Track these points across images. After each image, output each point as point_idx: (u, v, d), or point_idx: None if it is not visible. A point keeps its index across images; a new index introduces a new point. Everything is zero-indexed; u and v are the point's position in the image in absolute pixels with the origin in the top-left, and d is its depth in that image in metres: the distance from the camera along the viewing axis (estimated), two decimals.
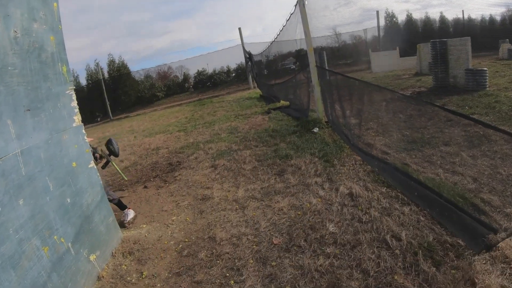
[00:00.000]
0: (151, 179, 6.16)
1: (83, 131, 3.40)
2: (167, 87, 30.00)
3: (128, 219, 4.33)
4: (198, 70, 30.34)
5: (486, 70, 8.80)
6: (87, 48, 77.70)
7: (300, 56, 16.45)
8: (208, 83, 29.84)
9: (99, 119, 29.28)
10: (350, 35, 27.01)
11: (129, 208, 4.52)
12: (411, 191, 3.45)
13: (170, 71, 33.54)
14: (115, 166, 4.52)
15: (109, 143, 4.39)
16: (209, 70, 30.41)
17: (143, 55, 74.92)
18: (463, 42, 10.29)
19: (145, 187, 5.79)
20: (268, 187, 4.44)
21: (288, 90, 11.37)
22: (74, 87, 3.32)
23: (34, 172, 2.52)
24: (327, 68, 8.00)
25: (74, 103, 3.28)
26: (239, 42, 24.84)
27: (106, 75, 29.80)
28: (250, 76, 23.98)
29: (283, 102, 12.08)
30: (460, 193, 3.29)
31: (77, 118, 3.31)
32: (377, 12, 24.80)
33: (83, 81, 31.06)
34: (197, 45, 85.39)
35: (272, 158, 5.54)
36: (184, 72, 31.72)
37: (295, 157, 5.34)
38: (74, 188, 3.07)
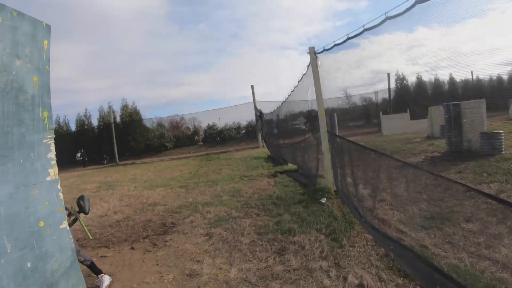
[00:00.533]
0: (141, 240, 5.67)
1: (59, 186, 2.97)
2: (177, 138, 30.32)
3: (103, 287, 3.90)
4: (209, 124, 30.81)
5: (501, 133, 8.56)
6: (106, 90, 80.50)
7: (310, 117, 16.42)
8: (217, 138, 30.05)
9: (105, 161, 29.36)
10: (360, 97, 27.34)
11: (104, 274, 4.06)
12: (433, 284, 2.94)
13: (182, 122, 34.21)
14: (82, 224, 4.09)
15: (80, 199, 4.04)
16: (221, 124, 30.83)
17: (158, 103, 77.27)
18: (477, 104, 10.07)
19: (132, 248, 5.32)
20: (265, 269, 3.90)
21: (296, 153, 11.09)
22: (54, 136, 2.94)
23: None
24: (337, 134, 7.74)
25: (52, 154, 2.89)
26: (252, 99, 25.21)
27: (118, 119, 30.32)
28: (260, 135, 24.00)
29: (290, 166, 11.78)
30: (490, 285, 2.79)
31: (53, 171, 2.89)
32: (388, 74, 25.15)
33: (95, 122, 31.68)
34: (211, 99, 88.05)
35: (274, 232, 5.02)
36: (195, 125, 32.26)
37: (299, 232, 4.82)
38: (38, 251, 2.61)
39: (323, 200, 6.32)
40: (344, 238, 4.42)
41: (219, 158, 19.12)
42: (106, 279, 4.02)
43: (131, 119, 29.75)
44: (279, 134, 17.22)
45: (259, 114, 23.04)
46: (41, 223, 2.70)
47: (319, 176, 7.77)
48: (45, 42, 2.88)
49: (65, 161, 30.89)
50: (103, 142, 29.16)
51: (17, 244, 2.40)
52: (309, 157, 8.91)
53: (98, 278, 4.01)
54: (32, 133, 2.66)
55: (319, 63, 6.87)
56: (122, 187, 12.40)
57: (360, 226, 4.80)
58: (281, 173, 10.58)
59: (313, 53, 6.95)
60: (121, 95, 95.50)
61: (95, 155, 30.90)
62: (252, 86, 24.94)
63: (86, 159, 29.46)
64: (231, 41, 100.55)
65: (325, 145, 7.00)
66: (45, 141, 2.82)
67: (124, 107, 30.38)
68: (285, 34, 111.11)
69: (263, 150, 20.77)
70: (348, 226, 4.85)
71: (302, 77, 8.63)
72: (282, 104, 14.78)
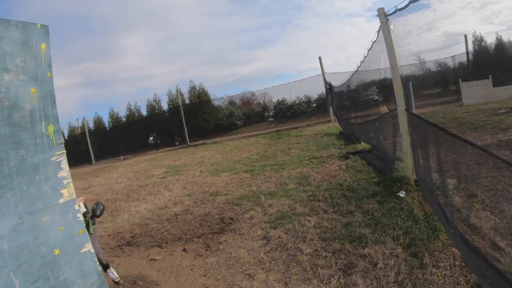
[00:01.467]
0: (195, 239, 5.38)
1: (76, 206, 2.56)
2: (246, 116, 30.14)
3: (116, 276, 4.34)
4: (278, 100, 30.16)
5: None
6: (175, 73, 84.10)
7: (383, 86, 15.06)
8: (288, 113, 29.29)
9: (177, 143, 30.45)
10: (435, 63, 24.28)
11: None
12: None
13: (253, 98, 34.09)
14: (91, 227, 4.27)
15: (95, 205, 4.33)
16: (292, 98, 30.00)
17: (228, 82, 78.66)
18: None
19: (184, 250, 5.06)
20: None
21: (369, 131, 9.94)
22: (64, 152, 2.54)
23: None
24: (413, 104, 6.62)
25: (64, 172, 2.48)
26: (321, 71, 24.04)
27: (188, 101, 31.07)
28: (331, 109, 22.86)
29: (364, 145, 10.73)
30: None
31: (67, 191, 2.47)
32: (465, 36, 21.89)
33: (165, 106, 32.93)
34: (279, 73, 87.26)
35: (341, 239, 4.26)
36: (264, 101, 31.86)
37: (371, 241, 4.02)
38: (55, 282, 2.30)
39: (402, 194, 5.37)
40: (426, 253, 3.53)
41: (289, 135, 18.47)
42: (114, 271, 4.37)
43: (199, 100, 30.31)
44: (350, 107, 16.02)
45: (329, 87, 21.91)
46: (56, 251, 2.38)
47: (397, 159, 6.75)
48: (43, 45, 2.47)
49: (138, 145, 32.87)
50: (174, 124, 30.17)
51: (28, 279, 2.14)
52: (384, 137, 7.83)
53: (108, 272, 4.29)
54: (34, 154, 2.34)
55: (391, 27, 5.78)
56: (188, 172, 12.46)
57: (446, 235, 3.86)
58: (354, 153, 9.63)
59: (383, 15, 5.84)
60: (190, 77, 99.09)
61: (167, 137, 32.19)
62: (319, 58, 23.68)
63: (158, 142, 30.80)
64: (295, 13, 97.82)
65: (403, 127, 5.96)
66: (53, 159, 2.46)
67: (192, 89, 31.09)
68: (349, 0, 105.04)
69: (334, 125, 19.67)
70: (432, 234, 3.92)
71: (372, 45, 7.60)
72: (352, 75, 13.60)
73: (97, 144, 36.62)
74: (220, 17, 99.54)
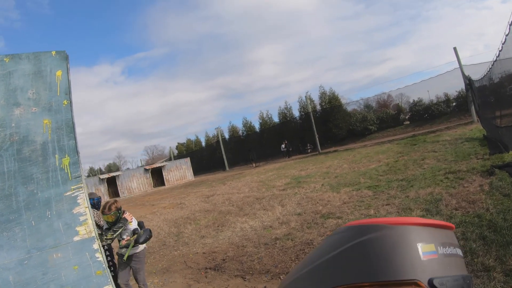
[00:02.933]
0: (281, 276, 4.76)
1: (95, 246, 2.35)
2: (380, 120, 27.96)
3: None
4: (414, 100, 27.12)
5: None
6: (309, 80, 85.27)
7: None
8: (425, 115, 26.00)
9: (309, 150, 30.20)
10: None
11: None
12: None
13: (389, 100, 31.74)
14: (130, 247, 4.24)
15: (141, 227, 4.39)
16: (430, 97, 26.65)
17: (363, 84, 76.01)
18: None
19: None
20: None
21: None
22: (81, 186, 2.38)
23: None
24: None
25: (81, 208, 2.35)
26: (457, 64, 20.78)
27: (318, 107, 30.60)
28: (473, 107, 19.45)
29: None
30: None
31: (84, 229, 2.35)
32: None
33: (296, 113, 33.14)
34: (415, 70, 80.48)
35: None
36: (398, 104, 29.28)
37: None
38: None
39: None
40: None
41: (425, 141, 16.20)
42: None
43: (330, 106, 29.50)
44: (494, 104, 13.08)
45: (468, 82, 18.70)
46: None
47: None
48: (58, 72, 2.49)
49: (271, 153, 33.74)
50: (305, 131, 29.96)
51: None
52: None
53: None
54: (45, 189, 2.26)
55: None
56: (309, 185, 11.90)
57: None
58: (500, 167, 7.52)
59: None
60: (323, 82, 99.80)
61: (299, 144, 32.19)
62: (454, 48, 20.29)
63: (290, 149, 30.99)
64: (423, 4, 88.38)
65: None
66: (68, 194, 2.32)
67: (322, 94, 30.35)
68: None
69: (477, 127, 16.49)
70: None
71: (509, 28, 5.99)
72: (492, 65, 11.08)
73: (231, 152, 39.15)
74: (348, 20, 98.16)
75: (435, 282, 0.83)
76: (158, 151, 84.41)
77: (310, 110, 28.09)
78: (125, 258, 4.23)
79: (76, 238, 2.31)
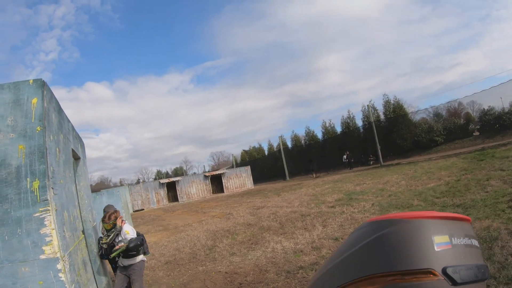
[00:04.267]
0: None
1: (59, 266, 2.56)
2: (447, 130, 25.95)
3: None
4: (484, 109, 24.70)
5: None
6: (376, 87, 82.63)
7: None
8: (496, 125, 23.50)
9: (371, 162, 29.08)
10: None
11: None
12: None
13: (461, 108, 29.58)
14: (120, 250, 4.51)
15: (136, 241, 4.57)
16: (503, 105, 24.14)
17: (432, 91, 71.65)
18: None
19: None
20: None
21: None
22: (48, 209, 2.57)
23: None
24: None
25: (48, 229, 2.57)
26: None
27: (382, 116, 29.36)
28: None
29: None
30: None
31: (50, 248, 2.57)
32: None
33: (360, 122, 32.07)
34: (488, 75, 74.21)
35: None
36: (465, 113, 27.06)
37: None
38: None
39: None
40: None
41: (494, 156, 14.59)
42: None
43: (394, 115, 28.03)
44: None
45: None
46: None
47: None
48: (34, 100, 2.73)
49: (333, 164, 32.96)
50: (368, 142, 28.86)
51: None
52: None
53: None
54: (18, 208, 2.53)
55: None
56: (359, 204, 11.34)
57: None
58: None
59: None
60: (391, 90, 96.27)
61: (361, 156, 31.09)
62: None
63: (352, 160, 30.05)
64: (493, 4, 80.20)
65: None
66: (36, 215, 2.57)
67: (386, 103, 28.90)
68: None
69: None
70: None
71: None
72: None
73: (293, 161, 38.90)
74: (414, 24, 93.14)
75: (449, 271, 0.92)
76: (224, 157, 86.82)
77: (372, 119, 27.03)
78: (111, 256, 4.68)
79: (42, 256, 2.53)
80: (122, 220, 4.88)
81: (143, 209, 32.59)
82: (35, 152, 2.55)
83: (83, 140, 5.32)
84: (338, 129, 36.06)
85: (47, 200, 2.55)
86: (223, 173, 37.70)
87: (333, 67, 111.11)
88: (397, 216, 0.99)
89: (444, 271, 0.89)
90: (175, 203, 33.63)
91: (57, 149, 2.99)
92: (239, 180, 37.58)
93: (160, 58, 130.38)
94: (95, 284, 3.84)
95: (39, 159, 2.55)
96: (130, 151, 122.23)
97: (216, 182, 38.45)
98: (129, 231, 4.71)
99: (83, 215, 4.35)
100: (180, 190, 34.98)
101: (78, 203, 3.98)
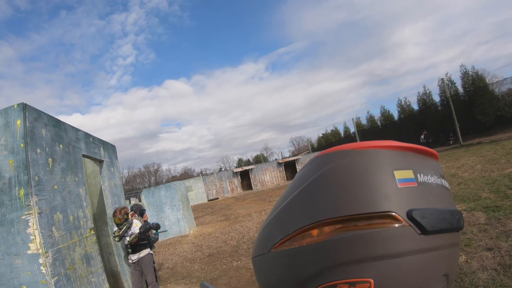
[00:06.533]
0: None
1: (40, 260, 3.23)
2: None
3: None
4: None
5: None
6: (458, 58, 75.55)
7: None
8: None
9: (451, 142, 27.07)
10: None
11: None
12: None
13: None
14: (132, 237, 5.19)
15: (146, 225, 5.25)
16: None
17: None
18: None
19: None
20: None
21: None
22: (30, 213, 3.25)
23: None
24: None
25: (31, 229, 3.23)
26: None
27: (461, 90, 26.98)
28: None
29: None
30: None
31: (34, 246, 3.25)
32: None
33: (437, 98, 29.84)
34: None
35: None
36: None
37: None
38: None
39: None
40: None
41: None
42: None
43: (474, 88, 25.41)
44: None
45: None
46: (24, 287, 3.22)
47: None
48: (18, 122, 3.31)
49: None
50: (446, 119, 26.74)
51: None
52: None
53: None
54: (11, 212, 3.21)
55: None
56: None
57: None
58: None
59: None
60: (473, 60, 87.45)
61: (440, 135, 29.02)
62: None
63: (430, 140, 28.16)
64: None
65: None
66: (23, 217, 3.22)
67: (465, 75, 26.24)
68: None
69: None
70: None
71: None
72: None
73: None
74: None
75: (415, 214, 0.72)
76: (303, 142, 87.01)
77: (448, 94, 24.82)
78: (128, 241, 5.26)
79: (28, 252, 3.21)
80: (133, 215, 5.60)
81: (217, 198, 34.14)
82: (20, 166, 3.20)
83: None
84: (415, 107, 33.95)
85: (30, 205, 3.20)
86: (296, 159, 37.86)
87: (409, 40, 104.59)
88: (348, 147, 0.79)
89: (409, 215, 0.71)
90: (248, 191, 34.69)
91: (50, 160, 3.53)
92: None
93: (233, 50, 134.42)
94: (103, 277, 4.38)
95: (23, 171, 3.17)
96: (212, 141, 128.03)
97: (291, 169, 38.76)
98: (137, 223, 5.37)
99: (105, 212, 5.04)
100: (254, 178, 35.95)
101: (89, 203, 4.52)
